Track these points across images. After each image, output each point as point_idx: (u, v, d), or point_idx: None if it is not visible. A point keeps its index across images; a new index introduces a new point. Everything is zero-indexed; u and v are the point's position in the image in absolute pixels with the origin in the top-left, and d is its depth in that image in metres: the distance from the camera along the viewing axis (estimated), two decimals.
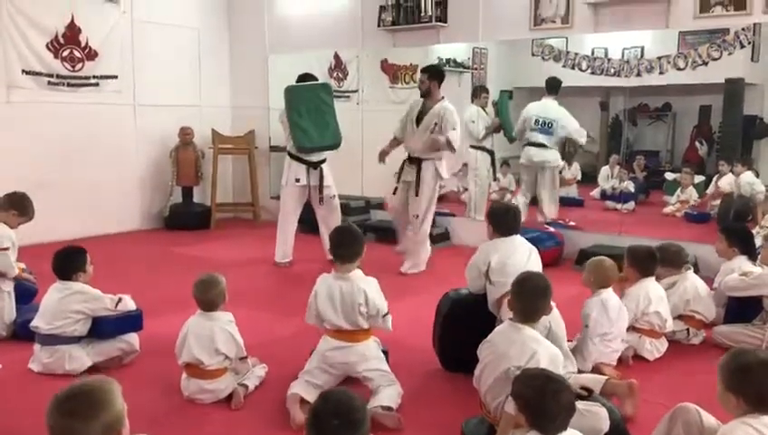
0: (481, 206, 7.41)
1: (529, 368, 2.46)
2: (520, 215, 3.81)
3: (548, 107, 6.95)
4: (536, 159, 6.97)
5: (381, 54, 7.95)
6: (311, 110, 5.90)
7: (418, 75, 5.91)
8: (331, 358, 3.30)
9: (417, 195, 5.87)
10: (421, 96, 5.89)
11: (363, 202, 7.80)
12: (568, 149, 7.05)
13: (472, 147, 7.38)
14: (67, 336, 3.60)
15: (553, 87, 6.96)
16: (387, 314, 3.31)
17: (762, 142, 6.82)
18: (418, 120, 5.85)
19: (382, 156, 6.13)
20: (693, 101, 7.48)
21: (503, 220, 3.70)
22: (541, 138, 6.92)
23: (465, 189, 7.75)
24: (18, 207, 4.33)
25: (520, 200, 7.05)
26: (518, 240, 3.67)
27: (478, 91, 7.40)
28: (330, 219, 6.20)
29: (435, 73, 5.85)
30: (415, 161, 5.89)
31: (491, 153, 7.41)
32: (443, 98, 5.82)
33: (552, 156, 7.00)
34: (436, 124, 5.72)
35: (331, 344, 3.30)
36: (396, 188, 6.04)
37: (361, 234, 3.52)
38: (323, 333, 3.38)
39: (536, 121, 6.92)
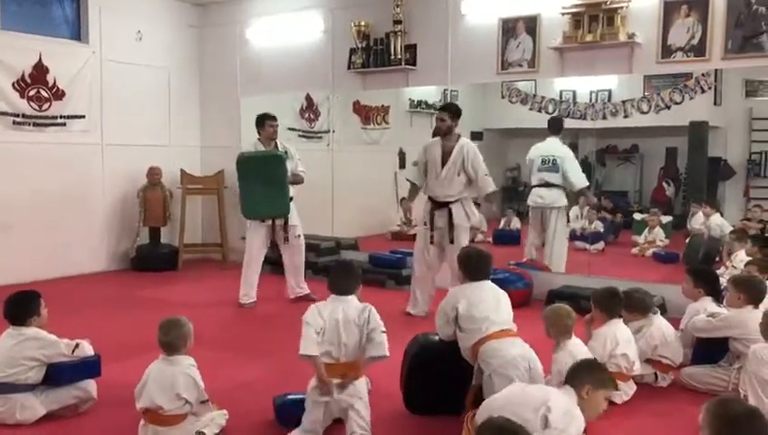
0: None
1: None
2: (491, 260, 3.79)
3: (553, 146, 6.93)
4: (543, 200, 6.88)
5: (352, 96, 8.00)
6: (261, 180, 5.81)
7: (436, 114, 5.69)
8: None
9: (451, 242, 5.50)
10: (441, 135, 5.58)
11: (334, 243, 7.74)
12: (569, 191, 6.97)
13: None
14: (20, 384, 3.47)
15: (556, 127, 7.00)
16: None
17: (727, 184, 6.95)
18: (443, 162, 5.56)
19: (408, 211, 5.95)
20: (660, 143, 7.64)
21: (473, 265, 3.70)
22: (546, 176, 6.84)
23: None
24: None
25: (529, 240, 7.01)
26: (488, 285, 3.65)
27: None
28: (294, 258, 6.23)
29: (456, 112, 5.61)
30: (443, 205, 5.59)
31: None
32: (460, 136, 5.60)
33: (558, 196, 6.85)
34: (463, 164, 5.48)
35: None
36: (432, 236, 5.61)
37: (358, 269, 3.53)
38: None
39: (543, 161, 6.87)
